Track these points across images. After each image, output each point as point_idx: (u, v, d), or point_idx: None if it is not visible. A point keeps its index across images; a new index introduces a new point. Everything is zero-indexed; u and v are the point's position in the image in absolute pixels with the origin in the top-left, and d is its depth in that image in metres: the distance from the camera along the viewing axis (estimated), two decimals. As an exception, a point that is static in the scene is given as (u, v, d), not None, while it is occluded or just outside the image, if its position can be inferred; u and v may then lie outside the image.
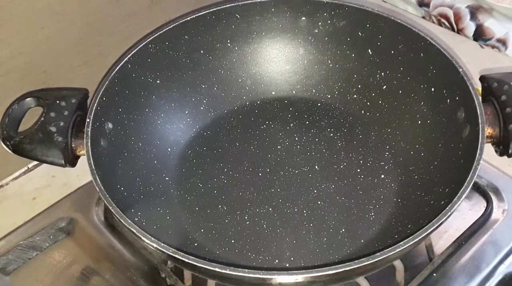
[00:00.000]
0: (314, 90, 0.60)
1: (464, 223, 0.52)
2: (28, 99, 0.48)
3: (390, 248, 0.36)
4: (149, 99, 0.54)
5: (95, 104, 0.46)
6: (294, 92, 0.61)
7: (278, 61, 0.61)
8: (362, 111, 0.58)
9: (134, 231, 0.38)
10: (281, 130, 0.58)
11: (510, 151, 0.43)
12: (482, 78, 0.47)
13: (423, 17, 0.75)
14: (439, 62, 0.49)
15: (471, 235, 0.50)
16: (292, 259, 0.47)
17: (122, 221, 0.39)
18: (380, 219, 0.49)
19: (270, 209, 0.51)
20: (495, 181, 0.54)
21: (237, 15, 0.57)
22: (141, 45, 0.52)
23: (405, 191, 0.51)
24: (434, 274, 0.47)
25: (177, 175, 0.55)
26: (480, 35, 0.70)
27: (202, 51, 0.58)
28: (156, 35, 0.53)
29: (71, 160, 0.46)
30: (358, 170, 0.54)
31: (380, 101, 0.57)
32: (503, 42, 0.68)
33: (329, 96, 0.60)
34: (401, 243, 0.36)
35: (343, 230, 0.49)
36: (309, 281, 0.36)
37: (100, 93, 0.47)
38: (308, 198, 0.52)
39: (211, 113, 0.59)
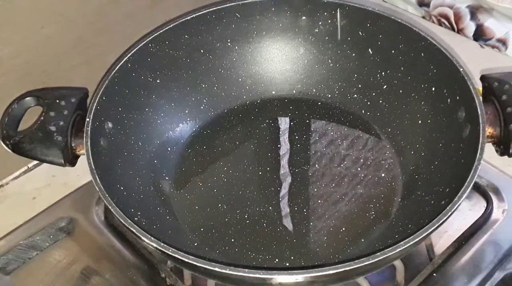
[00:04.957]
0: (314, 90, 0.60)
1: (464, 223, 0.52)
2: (27, 98, 0.48)
3: (391, 248, 0.36)
4: (149, 99, 0.54)
5: (95, 104, 0.46)
6: (294, 91, 0.61)
7: (278, 60, 0.61)
8: (363, 111, 0.58)
9: (134, 231, 0.38)
10: (281, 129, 0.58)
11: (510, 151, 0.43)
12: (483, 78, 0.47)
13: (423, 17, 0.75)
14: (440, 61, 0.49)
15: (471, 235, 0.50)
16: (292, 258, 0.47)
17: (122, 220, 0.39)
18: (380, 218, 0.49)
19: (270, 208, 0.51)
20: (495, 180, 0.54)
21: (237, 14, 0.57)
22: (141, 44, 0.52)
23: (406, 190, 0.51)
24: (435, 274, 0.47)
25: (177, 174, 0.55)
26: (480, 35, 0.69)
27: (202, 51, 0.58)
28: (156, 34, 0.53)
29: (71, 159, 0.46)
30: (359, 169, 0.54)
31: (380, 101, 0.57)
32: (503, 42, 0.68)
33: (329, 95, 0.60)
34: (402, 243, 0.36)
35: (343, 229, 0.49)
36: (309, 281, 0.36)
37: (100, 93, 0.47)
38: (308, 197, 0.52)
39: (211, 113, 0.59)
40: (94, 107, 0.46)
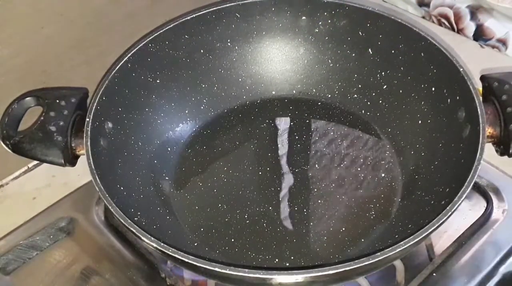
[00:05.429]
0: (314, 90, 0.60)
1: (464, 223, 0.51)
2: (28, 98, 0.48)
3: (391, 248, 0.36)
4: (149, 99, 0.54)
5: (95, 104, 0.46)
6: (294, 91, 0.61)
7: (278, 60, 0.61)
8: (363, 111, 0.58)
9: (134, 231, 0.38)
10: (281, 129, 0.58)
11: (510, 151, 0.43)
12: (483, 78, 0.47)
13: (423, 17, 0.75)
14: (440, 61, 0.49)
15: (471, 235, 0.50)
16: (292, 258, 0.47)
17: (122, 220, 0.39)
18: (381, 218, 0.49)
19: (270, 208, 0.51)
20: (495, 180, 0.54)
21: (237, 14, 0.57)
22: (141, 44, 0.52)
23: (406, 190, 0.51)
24: (434, 274, 0.47)
25: (177, 174, 0.55)
26: (480, 35, 0.69)
27: (202, 51, 0.58)
28: (156, 34, 0.53)
29: (71, 159, 0.46)
30: (359, 169, 0.54)
31: (380, 101, 0.57)
32: (503, 42, 0.68)
33: (329, 95, 0.60)
34: (402, 242, 0.36)
35: (343, 229, 0.49)
36: (309, 281, 0.36)
37: (100, 93, 0.47)
38: (308, 197, 0.52)
39: (211, 113, 0.59)
40: (94, 107, 0.46)
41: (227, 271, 0.35)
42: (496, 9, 0.66)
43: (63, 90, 0.49)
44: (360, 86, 0.58)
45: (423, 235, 0.36)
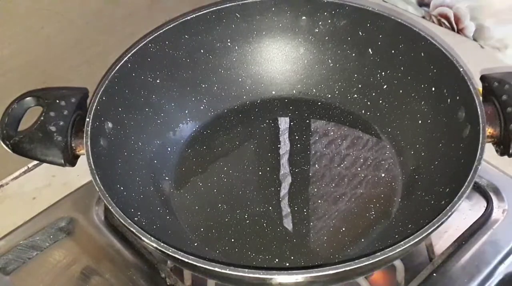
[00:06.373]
0: (314, 90, 0.60)
1: (464, 223, 0.52)
2: (28, 98, 0.48)
3: (391, 248, 0.36)
4: (149, 99, 0.54)
5: (95, 104, 0.46)
6: (294, 91, 0.61)
7: (278, 60, 0.61)
8: (363, 111, 0.58)
9: (134, 231, 0.38)
10: (281, 129, 0.58)
11: (510, 151, 0.43)
12: (483, 78, 0.47)
13: (423, 17, 0.75)
14: (440, 61, 0.49)
15: (471, 235, 0.50)
16: (292, 258, 0.47)
17: (122, 220, 0.39)
18: (380, 218, 0.49)
19: (270, 208, 0.51)
20: (495, 180, 0.54)
21: (237, 14, 0.57)
22: (141, 44, 0.52)
23: (406, 190, 0.51)
24: (434, 274, 0.47)
25: (177, 174, 0.55)
26: (480, 35, 0.69)
27: (202, 51, 0.58)
28: (156, 34, 0.53)
29: (71, 159, 0.46)
30: (359, 169, 0.54)
31: (380, 101, 0.57)
32: (503, 42, 0.68)
33: (329, 95, 0.60)
34: (402, 243, 0.36)
35: (343, 229, 0.49)
36: (309, 281, 0.36)
37: (100, 93, 0.47)
38: (308, 197, 0.52)
39: (211, 113, 0.59)
40: (94, 107, 0.46)
41: (227, 271, 0.35)
42: (496, 9, 0.66)
43: (63, 90, 0.49)
44: (360, 86, 0.58)
45: (423, 235, 0.36)
